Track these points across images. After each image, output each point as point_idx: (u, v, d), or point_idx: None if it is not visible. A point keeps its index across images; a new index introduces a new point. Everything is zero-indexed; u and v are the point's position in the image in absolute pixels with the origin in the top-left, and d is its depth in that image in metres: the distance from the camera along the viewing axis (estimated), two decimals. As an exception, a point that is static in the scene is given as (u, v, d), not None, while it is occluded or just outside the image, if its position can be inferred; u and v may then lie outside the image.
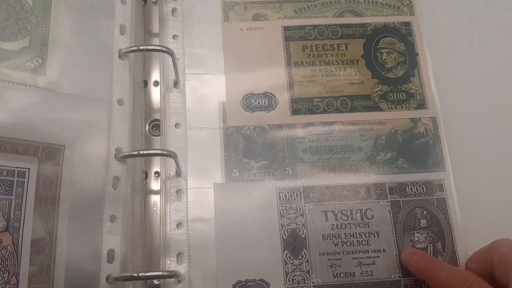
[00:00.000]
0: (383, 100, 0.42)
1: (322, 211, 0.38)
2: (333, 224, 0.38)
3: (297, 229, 0.38)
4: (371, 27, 0.44)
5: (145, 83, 0.42)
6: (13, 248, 0.30)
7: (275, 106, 0.41)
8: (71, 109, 0.35)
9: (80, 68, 0.36)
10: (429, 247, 0.38)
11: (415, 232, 0.38)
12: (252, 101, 0.41)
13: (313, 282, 0.37)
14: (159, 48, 0.38)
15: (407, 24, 0.44)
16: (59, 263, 0.32)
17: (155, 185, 0.40)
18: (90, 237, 0.34)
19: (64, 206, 0.33)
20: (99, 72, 0.37)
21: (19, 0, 0.35)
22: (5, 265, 0.29)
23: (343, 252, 0.37)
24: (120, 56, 0.39)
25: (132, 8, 0.41)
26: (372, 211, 0.38)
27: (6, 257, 0.29)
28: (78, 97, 0.35)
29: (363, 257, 0.37)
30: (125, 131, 0.37)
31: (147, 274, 0.34)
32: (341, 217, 0.38)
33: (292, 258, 0.37)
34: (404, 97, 0.42)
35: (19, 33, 0.34)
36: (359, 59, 0.43)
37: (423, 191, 0.39)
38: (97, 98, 0.36)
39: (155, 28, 0.43)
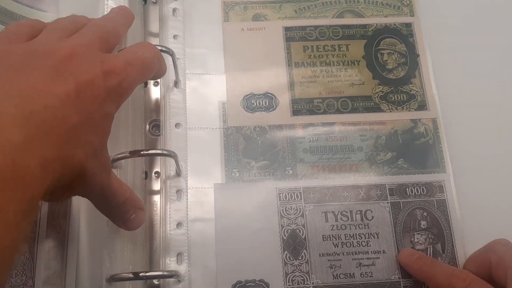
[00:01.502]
0: (383, 101, 0.42)
1: (322, 212, 0.38)
2: (333, 225, 0.38)
3: (297, 230, 0.38)
4: (372, 28, 0.44)
5: (145, 83, 0.42)
6: (29, 255, 0.34)
7: (276, 107, 0.41)
8: None
9: None
10: (428, 249, 0.38)
11: (415, 233, 0.38)
12: (252, 101, 0.41)
13: (312, 283, 0.37)
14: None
15: (408, 25, 0.44)
16: (70, 267, 0.35)
17: (155, 185, 0.39)
18: (97, 244, 0.36)
19: (75, 217, 0.37)
20: None
21: None
22: (22, 270, 0.34)
23: (343, 253, 0.37)
24: None
25: None
26: (372, 212, 0.38)
27: (23, 262, 0.34)
28: None
29: (363, 258, 0.37)
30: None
31: (147, 274, 0.34)
32: (341, 218, 0.38)
33: (292, 258, 0.37)
34: (405, 98, 0.42)
35: None
36: (360, 60, 0.43)
37: (424, 192, 0.39)
38: None
39: (155, 28, 0.43)
